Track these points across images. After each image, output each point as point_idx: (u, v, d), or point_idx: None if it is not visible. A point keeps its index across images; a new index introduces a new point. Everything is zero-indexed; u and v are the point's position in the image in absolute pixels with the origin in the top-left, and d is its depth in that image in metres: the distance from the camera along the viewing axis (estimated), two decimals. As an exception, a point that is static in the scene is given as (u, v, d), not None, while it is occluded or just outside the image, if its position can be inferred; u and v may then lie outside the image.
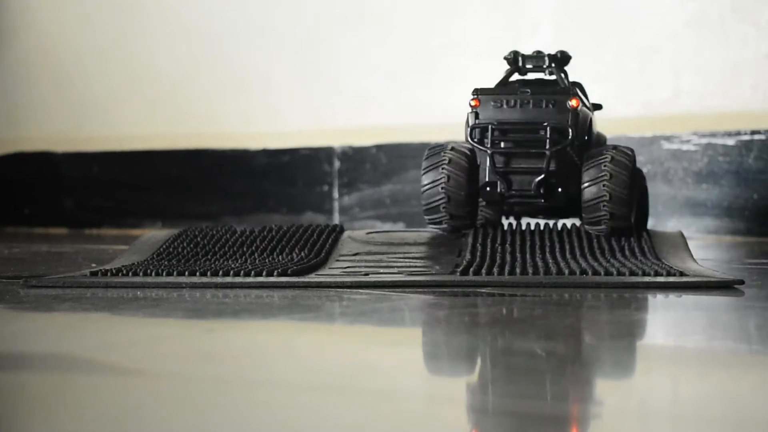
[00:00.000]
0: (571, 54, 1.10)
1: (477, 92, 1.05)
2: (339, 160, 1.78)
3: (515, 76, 1.11)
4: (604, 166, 1.01)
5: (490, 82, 1.48)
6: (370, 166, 1.75)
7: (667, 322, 0.69)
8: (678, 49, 1.53)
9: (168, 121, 1.93)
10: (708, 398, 0.46)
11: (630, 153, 1.03)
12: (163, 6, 1.93)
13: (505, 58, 1.09)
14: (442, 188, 1.02)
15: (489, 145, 1.02)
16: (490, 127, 1.02)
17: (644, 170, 1.53)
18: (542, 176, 1.02)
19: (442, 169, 1.02)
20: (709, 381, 0.50)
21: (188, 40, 1.91)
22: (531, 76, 1.10)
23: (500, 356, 0.56)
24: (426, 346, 0.61)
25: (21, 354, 0.58)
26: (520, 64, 1.08)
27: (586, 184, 1.01)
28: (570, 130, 1.02)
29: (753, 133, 1.48)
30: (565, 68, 1.10)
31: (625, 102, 1.57)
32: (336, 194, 1.78)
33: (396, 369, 0.54)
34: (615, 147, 1.03)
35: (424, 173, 1.03)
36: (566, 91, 1.05)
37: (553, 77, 1.07)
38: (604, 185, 1.00)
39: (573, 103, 1.03)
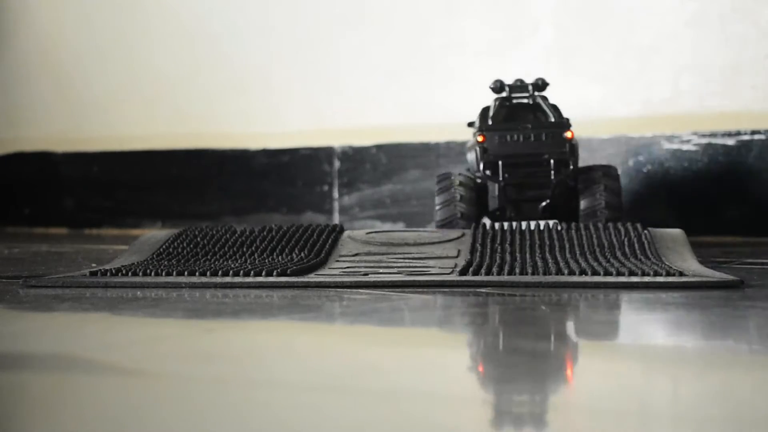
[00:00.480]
0: (549, 81, 1.26)
1: (483, 129, 1.20)
2: (339, 160, 1.78)
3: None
4: (599, 195, 1.19)
5: (489, 83, 1.52)
6: (370, 166, 1.75)
7: (667, 322, 0.69)
8: (678, 49, 1.53)
9: (168, 121, 1.93)
10: (708, 398, 0.46)
11: (616, 174, 1.22)
12: (163, 6, 1.93)
13: (491, 88, 1.24)
14: (455, 223, 1.19)
15: (501, 179, 1.19)
16: (500, 163, 1.19)
17: (644, 170, 1.54)
18: (547, 201, 1.20)
19: (455, 206, 1.20)
20: (709, 381, 0.50)
21: (188, 40, 1.91)
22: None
23: (500, 356, 0.56)
24: (426, 346, 0.61)
25: (21, 354, 0.58)
26: (507, 92, 1.24)
27: (584, 211, 1.19)
28: (570, 162, 1.19)
29: (753, 133, 1.48)
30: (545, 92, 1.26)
31: (625, 102, 1.57)
32: (336, 194, 1.78)
33: (396, 369, 0.54)
34: (604, 173, 1.21)
35: (439, 209, 1.20)
36: (562, 124, 1.20)
37: (536, 102, 1.24)
38: (600, 212, 1.18)
39: (569, 135, 1.20)
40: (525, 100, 1.25)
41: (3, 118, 2.08)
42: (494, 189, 1.21)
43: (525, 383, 0.49)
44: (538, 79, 1.24)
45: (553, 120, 1.22)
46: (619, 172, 1.53)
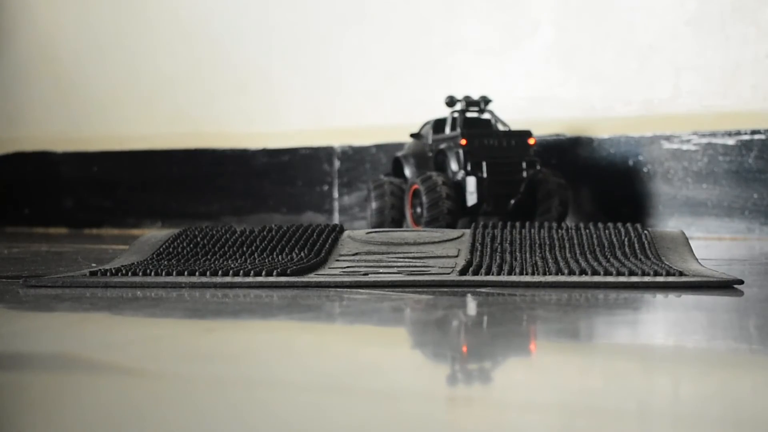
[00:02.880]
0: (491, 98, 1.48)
1: (465, 135, 1.42)
2: (339, 160, 1.78)
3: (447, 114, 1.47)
4: (554, 193, 1.42)
5: (489, 83, 1.54)
6: (370, 165, 1.75)
7: (667, 322, 0.69)
8: (678, 49, 1.53)
9: (168, 121, 1.93)
10: (708, 398, 0.46)
11: (559, 173, 1.46)
12: (163, 6, 1.93)
13: (445, 102, 1.46)
14: (441, 218, 1.40)
15: (485, 176, 1.40)
16: (483, 163, 1.41)
17: (644, 170, 1.54)
18: (518, 197, 1.42)
19: (441, 202, 1.40)
20: (709, 381, 0.50)
21: (188, 40, 1.91)
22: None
23: (500, 356, 0.56)
24: (426, 346, 0.61)
25: (21, 354, 0.58)
26: (462, 106, 1.46)
27: (542, 204, 1.43)
28: (537, 163, 1.42)
29: (753, 133, 1.48)
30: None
31: (625, 101, 1.57)
32: (336, 194, 1.78)
33: (396, 369, 0.54)
34: (550, 171, 1.44)
35: (427, 207, 1.40)
36: (528, 133, 1.44)
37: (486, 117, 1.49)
38: (556, 204, 1.43)
39: (531, 141, 1.44)
40: (476, 114, 1.48)
41: (3, 118, 2.08)
42: (471, 184, 1.41)
43: (524, 382, 0.49)
44: (482, 97, 1.47)
45: (510, 130, 1.44)
46: (619, 172, 1.54)
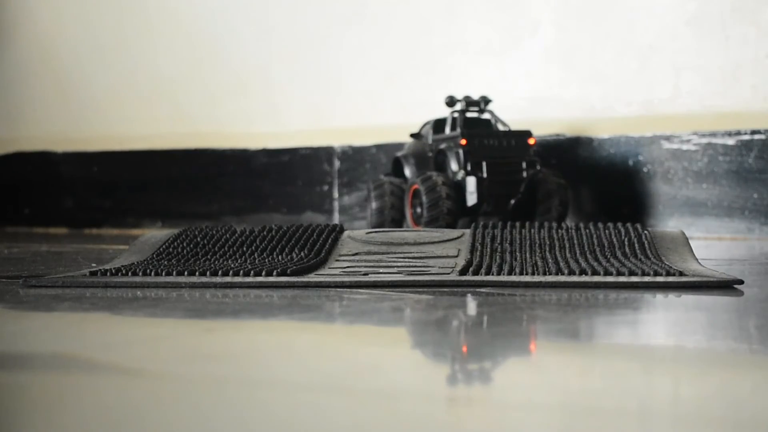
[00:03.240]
0: (491, 98, 1.48)
1: (465, 135, 1.42)
2: (339, 160, 1.78)
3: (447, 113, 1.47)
4: (555, 194, 1.43)
5: (489, 83, 1.53)
6: (370, 165, 1.75)
7: (667, 322, 0.69)
8: (678, 49, 1.53)
9: (168, 121, 1.93)
10: (708, 398, 0.46)
11: (559, 173, 1.46)
12: (163, 6, 1.93)
13: (445, 102, 1.46)
14: (441, 218, 1.40)
15: (485, 176, 1.41)
16: (483, 163, 1.41)
17: (644, 170, 1.54)
18: (518, 197, 1.42)
19: (441, 202, 1.40)
20: (709, 381, 0.50)
21: (188, 40, 1.91)
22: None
23: (500, 356, 0.56)
24: (426, 346, 0.61)
25: (21, 354, 0.58)
26: (464, 106, 1.46)
27: (542, 204, 1.43)
28: (537, 163, 1.43)
29: (753, 133, 1.48)
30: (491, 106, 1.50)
31: (626, 101, 1.57)
32: (336, 194, 1.78)
33: (396, 369, 0.54)
34: (550, 171, 1.45)
35: (428, 207, 1.41)
36: (528, 133, 1.44)
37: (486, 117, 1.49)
38: (556, 204, 1.43)
39: (531, 141, 1.44)
40: (476, 114, 1.48)
41: (3, 118, 2.08)
42: (471, 185, 1.41)
43: (524, 382, 0.49)
44: (482, 97, 1.47)
45: (510, 130, 1.44)
46: (619, 172, 1.54)
